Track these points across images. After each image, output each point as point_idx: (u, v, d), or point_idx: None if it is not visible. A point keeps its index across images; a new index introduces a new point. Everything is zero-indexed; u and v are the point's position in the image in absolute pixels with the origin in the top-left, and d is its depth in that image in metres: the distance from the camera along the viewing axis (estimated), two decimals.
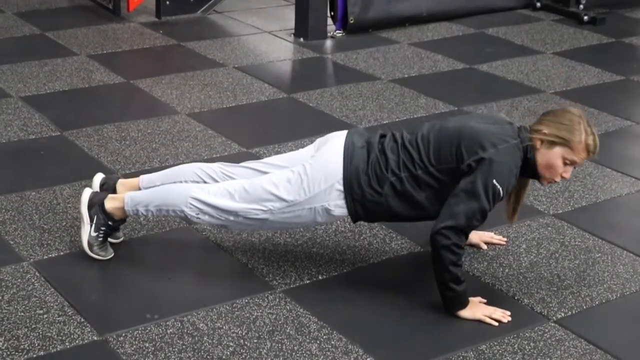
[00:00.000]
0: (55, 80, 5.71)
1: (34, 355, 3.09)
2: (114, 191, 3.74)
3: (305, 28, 6.76)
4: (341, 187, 3.40)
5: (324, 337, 3.26)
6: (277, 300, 3.47)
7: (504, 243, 3.92)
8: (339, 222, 4.01)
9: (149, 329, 3.26)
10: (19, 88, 5.55)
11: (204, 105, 5.41)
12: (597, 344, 3.27)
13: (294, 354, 3.16)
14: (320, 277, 3.63)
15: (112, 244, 3.71)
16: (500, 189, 3.26)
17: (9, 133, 4.89)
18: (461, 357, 3.17)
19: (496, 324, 3.35)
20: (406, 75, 6.07)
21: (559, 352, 3.23)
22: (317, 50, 6.56)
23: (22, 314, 3.31)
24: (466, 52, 6.60)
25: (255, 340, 3.22)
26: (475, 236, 3.86)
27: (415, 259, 3.81)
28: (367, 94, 5.70)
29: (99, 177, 3.84)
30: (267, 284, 3.57)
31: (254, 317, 3.36)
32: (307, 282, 3.60)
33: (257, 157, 4.68)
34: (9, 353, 3.09)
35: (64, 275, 3.57)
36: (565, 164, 3.35)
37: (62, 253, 3.72)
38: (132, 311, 3.37)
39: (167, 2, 7.10)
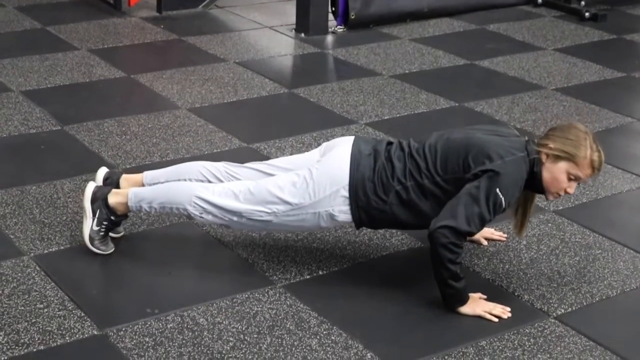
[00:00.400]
0: (56, 75, 5.71)
1: (34, 350, 3.10)
2: (117, 186, 3.74)
3: (307, 23, 6.76)
4: (346, 194, 3.41)
5: (324, 332, 3.26)
6: (277, 295, 3.47)
7: (504, 239, 3.92)
8: None
9: (149, 323, 3.26)
10: (19, 82, 5.55)
11: (205, 100, 5.40)
12: (597, 340, 3.27)
13: (294, 349, 3.16)
14: (320, 273, 3.63)
15: (112, 238, 3.71)
16: (503, 199, 3.27)
17: (10, 127, 4.89)
18: (461, 353, 3.18)
19: (496, 320, 3.36)
20: (407, 71, 6.06)
21: (559, 348, 3.23)
22: (318, 46, 6.56)
23: (23, 308, 3.31)
24: (467, 48, 6.60)
25: (255, 335, 3.22)
26: None
27: (415, 254, 3.81)
28: (368, 89, 5.70)
29: (102, 172, 3.84)
30: (268, 279, 3.57)
31: (254, 312, 3.36)
32: (308, 277, 3.60)
33: (257, 152, 4.68)
34: (9, 347, 3.09)
35: (65, 270, 3.57)
36: (569, 179, 3.36)
37: (62, 247, 3.72)
38: (132, 306, 3.37)
39: None
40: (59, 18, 6.92)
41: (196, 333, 3.22)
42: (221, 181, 3.65)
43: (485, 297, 3.45)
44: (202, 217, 3.54)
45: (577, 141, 3.33)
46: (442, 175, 3.37)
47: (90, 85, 5.61)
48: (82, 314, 3.29)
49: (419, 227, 3.48)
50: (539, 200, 4.28)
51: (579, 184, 3.47)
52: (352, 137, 3.58)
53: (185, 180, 3.67)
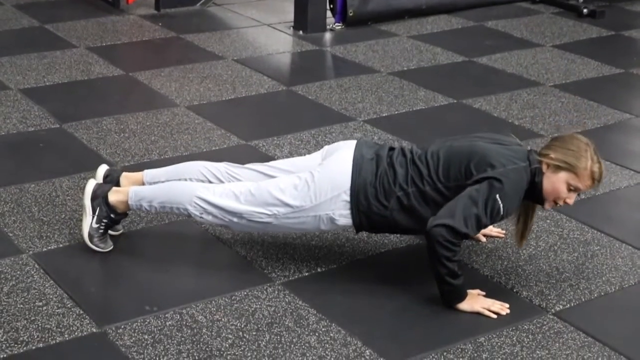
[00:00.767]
0: (54, 73, 5.71)
1: (33, 347, 3.10)
2: (117, 184, 3.74)
3: (305, 21, 6.75)
4: (348, 198, 3.42)
5: (323, 329, 3.26)
6: (276, 292, 3.47)
7: (503, 236, 3.92)
8: None
9: (148, 321, 3.26)
10: (18, 80, 5.55)
11: (203, 98, 5.40)
12: (595, 337, 3.28)
13: (292, 346, 3.16)
14: (319, 270, 3.64)
15: (111, 236, 3.71)
16: (501, 205, 3.27)
17: (8, 125, 4.89)
18: (459, 350, 3.18)
19: (495, 316, 3.36)
20: (405, 68, 6.06)
21: (557, 344, 3.23)
22: (316, 43, 6.56)
23: (22, 306, 3.31)
24: (465, 44, 6.60)
25: (254, 333, 3.22)
26: None
27: (414, 251, 3.82)
28: (366, 86, 5.70)
29: (102, 169, 3.84)
30: (266, 277, 3.57)
31: (252, 309, 3.36)
32: (306, 274, 3.60)
33: (256, 149, 4.68)
34: (8, 345, 3.09)
35: (63, 268, 3.57)
36: (569, 189, 3.37)
37: (61, 245, 3.72)
38: (131, 303, 3.37)
39: None
40: (57, 16, 6.91)
41: (195, 330, 3.22)
42: (222, 182, 3.65)
43: (483, 293, 3.45)
44: (202, 217, 3.54)
45: (578, 152, 3.35)
46: (444, 182, 3.38)
47: (88, 83, 5.61)
48: (81, 312, 3.29)
49: (419, 233, 3.48)
50: None
51: (578, 194, 3.48)
52: (354, 141, 3.58)
53: (185, 179, 3.68)
